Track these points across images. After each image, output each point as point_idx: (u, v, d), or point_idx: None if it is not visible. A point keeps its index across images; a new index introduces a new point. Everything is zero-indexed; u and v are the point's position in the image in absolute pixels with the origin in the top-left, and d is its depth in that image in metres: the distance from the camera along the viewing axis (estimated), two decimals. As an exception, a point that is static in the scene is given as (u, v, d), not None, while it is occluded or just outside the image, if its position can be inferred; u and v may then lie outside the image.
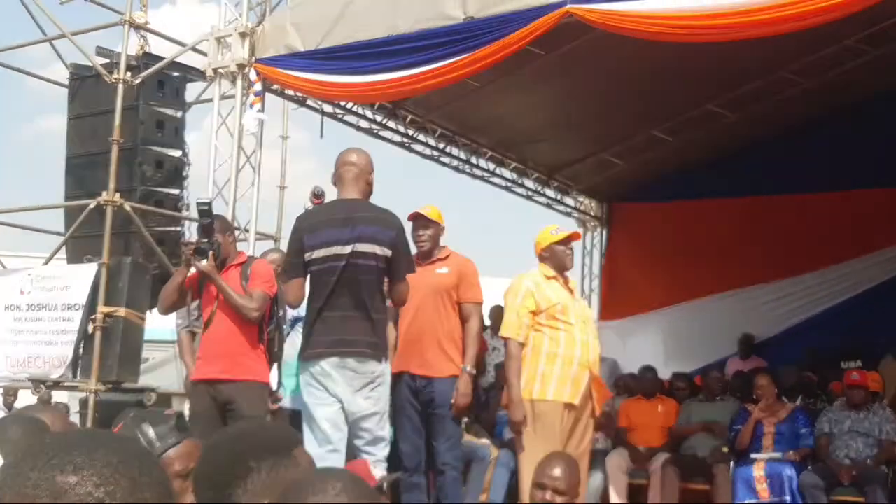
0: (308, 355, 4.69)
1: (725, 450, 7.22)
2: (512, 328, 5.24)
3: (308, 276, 4.74)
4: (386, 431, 4.78)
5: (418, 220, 5.67)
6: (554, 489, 3.75)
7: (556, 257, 5.39)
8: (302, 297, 4.77)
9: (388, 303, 5.09)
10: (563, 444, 5.06)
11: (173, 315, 5.88)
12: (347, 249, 4.58)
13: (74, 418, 8.16)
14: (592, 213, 12.33)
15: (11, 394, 11.24)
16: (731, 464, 7.01)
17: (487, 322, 9.08)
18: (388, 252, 4.62)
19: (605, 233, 12.30)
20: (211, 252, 5.05)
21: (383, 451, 4.73)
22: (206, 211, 5.11)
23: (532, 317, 5.21)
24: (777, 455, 6.91)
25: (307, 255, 4.66)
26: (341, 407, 4.63)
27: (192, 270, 5.20)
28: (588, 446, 5.41)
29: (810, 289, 10.43)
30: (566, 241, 5.46)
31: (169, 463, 2.58)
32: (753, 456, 6.95)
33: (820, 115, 9.91)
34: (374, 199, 4.88)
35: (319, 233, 4.66)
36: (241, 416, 4.80)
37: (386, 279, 4.78)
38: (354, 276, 4.60)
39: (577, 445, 5.20)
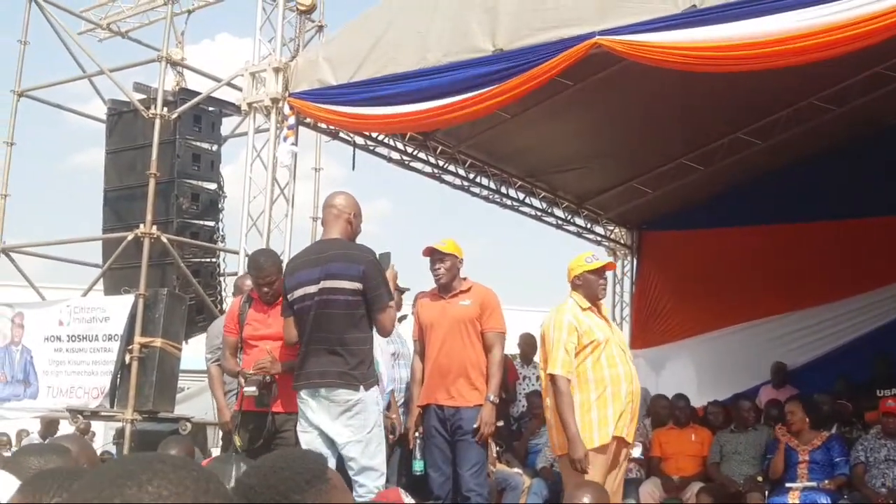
0: (293, 387, 4.90)
1: (760, 479, 7.18)
2: (560, 365, 5.05)
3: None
4: (376, 462, 4.79)
5: (433, 254, 5.75)
6: None
7: (588, 286, 5.27)
8: (295, 335, 4.93)
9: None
10: (606, 476, 5.04)
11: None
12: (315, 288, 4.78)
13: (110, 448, 8.27)
14: (622, 242, 12.34)
15: (52, 426, 11.31)
16: (766, 493, 6.96)
17: (517, 350, 9.13)
18: (357, 285, 4.75)
19: (635, 261, 12.30)
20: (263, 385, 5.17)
21: (375, 481, 4.74)
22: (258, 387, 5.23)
23: (577, 352, 5.09)
24: (812, 484, 6.85)
25: (289, 297, 4.93)
26: (319, 433, 4.78)
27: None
28: (623, 475, 5.38)
29: (843, 315, 10.36)
30: (600, 271, 5.33)
31: None
32: (788, 485, 6.89)
33: (850, 141, 9.90)
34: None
35: (296, 274, 4.94)
36: (289, 444, 4.93)
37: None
38: (325, 311, 4.77)
39: (615, 474, 5.17)
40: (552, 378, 5.05)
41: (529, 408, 8.58)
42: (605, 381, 5.05)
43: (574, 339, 5.07)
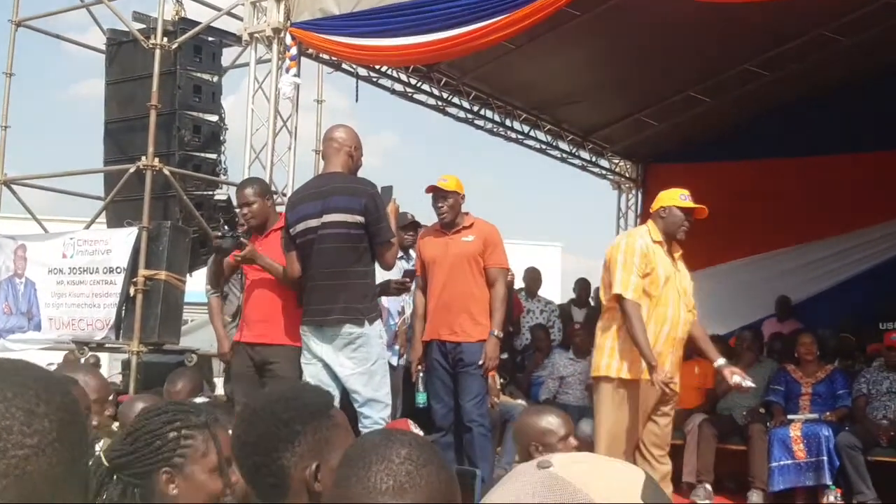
0: (302, 322, 4.91)
1: (762, 410, 7.23)
2: (632, 288, 4.89)
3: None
4: (381, 394, 4.83)
5: (436, 192, 5.74)
6: (575, 435, 3.53)
7: (671, 222, 5.09)
8: (297, 269, 4.92)
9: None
10: (644, 417, 5.00)
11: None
12: (318, 222, 4.78)
13: (116, 379, 8.33)
14: (628, 175, 12.27)
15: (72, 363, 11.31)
16: (768, 424, 7.01)
17: (521, 284, 9.13)
18: (359, 219, 4.74)
19: (640, 195, 12.22)
20: (237, 243, 5.13)
21: (380, 412, 4.79)
22: (224, 207, 5.19)
23: (641, 279, 4.93)
24: (814, 416, 6.90)
25: (291, 231, 4.90)
26: (324, 366, 4.81)
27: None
28: (670, 423, 5.25)
29: (848, 250, 10.34)
30: (691, 211, 5.10)
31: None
32: (790, 417, 6.95)
33: (861, 73, 9.75)
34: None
35: (298, 208, 4.92)
36: (277, 377, 4.95)
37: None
38: (327, 246, 4.77)
39: (661, 420, 5.11)
40: (620, 299, 4.88)
41: (533, 340, 8.63)
42: (651, 318, 4.94)
43: (642, 265, 4.94)
